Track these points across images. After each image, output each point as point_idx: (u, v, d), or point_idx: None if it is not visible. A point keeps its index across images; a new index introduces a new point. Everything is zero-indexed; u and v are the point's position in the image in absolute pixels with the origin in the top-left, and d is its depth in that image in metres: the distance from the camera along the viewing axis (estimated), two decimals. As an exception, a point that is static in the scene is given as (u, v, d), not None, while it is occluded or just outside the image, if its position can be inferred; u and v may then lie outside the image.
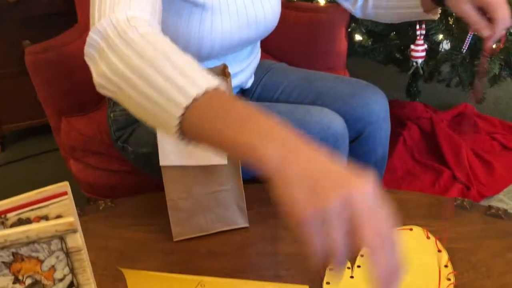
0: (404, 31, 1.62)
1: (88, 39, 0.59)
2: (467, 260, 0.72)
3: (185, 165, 0.77)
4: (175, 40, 0.58)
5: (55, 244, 0.50)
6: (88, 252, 0.58)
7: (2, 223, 0.53)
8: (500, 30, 0.77)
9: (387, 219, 0.44)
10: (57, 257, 0.51)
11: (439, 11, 0.92)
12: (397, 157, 1.76)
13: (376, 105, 1.03)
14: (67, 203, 0.55)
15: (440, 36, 1.49)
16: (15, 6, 1.85)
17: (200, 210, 0.81)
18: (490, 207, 0.83)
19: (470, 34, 1.11)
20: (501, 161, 1.74)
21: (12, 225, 0.53)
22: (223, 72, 0.80)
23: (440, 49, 1.52)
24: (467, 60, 1.51)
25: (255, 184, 0.92)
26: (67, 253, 0.51)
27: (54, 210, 0.55)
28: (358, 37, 1.68)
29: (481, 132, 1.89)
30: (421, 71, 1.55)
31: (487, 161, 1.72)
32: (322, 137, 0.91)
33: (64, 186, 0.55)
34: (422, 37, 1.40)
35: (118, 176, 1.22)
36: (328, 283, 0.69)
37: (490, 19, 0.78)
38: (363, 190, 0.42)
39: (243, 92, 1.14)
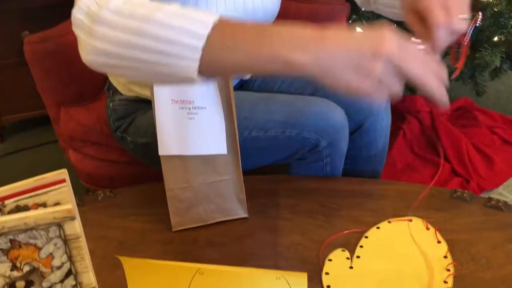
0: (405, 24, 1.60)
1: (72, 20, 0.58)
2: (467, 251, 0.72)
3: (185, 155, 0.77)
4: None
5: (53, 231, 0.50)
6: (87, 242, 0.57)
7: (0, 210, 0.52)
8: (441, 38, 0.63)
9: (417, 51, 0.54)
10: (55, 244, 0.51)
11: None
12: (396, 151, 1.76)
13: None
14: (66, 191, 0.55)
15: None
16: (14, -3, 1.84)
17: (199, 200, 0.80)
18: (490, 198, 0.83)
19: (472, 26, 1.10)
20: (501, 155, 1.73)
21: (10, 212, 0.53)
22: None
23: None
24: (468, 53, 1.50)
25: (255, 176, 0.93)
26: (65, 241, 0.51)
27: (53, 197, 0.54)
28: (359, 29, 1.66)
29: (481, 126, 1.88)
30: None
31: (487, 155, 1.72)
32: (322, 128, 0.90)
33: (62, 173, 0.55)
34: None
35: (117, 167, 1.22)
36: (327, 273, 0.69)
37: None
38: (391, 43, 0.50)
39: (243, 84, 1.13)
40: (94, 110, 1.25)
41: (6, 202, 0.53)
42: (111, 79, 1.07)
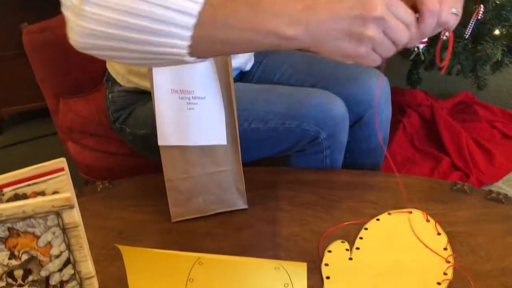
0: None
1: (61, 0, 0.57)
2: (466, 243, 0.72)
3: (184, 146, 0.77)
4: None
5: (52, 220, 0.50)
6: (86, 232, 0.57)
7: (-2, 198, 0.52)
8: (428, 25, 0.59)
9: (404, 9, 0.53)
10: (54, 233, 0.51)
11: None
12: (396, 144, 1.76)
13: (377, 89, 1.02)
14: (64, 179, 0.54)
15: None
16: (13, -12, 1.83)
17: (198, 191, 0.80)
18: (490, 191, 0.82)
19: (473, 19, 1.09)
20: (501, 149, 1.73)
21: (8, 200, 0.52)
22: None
23: (441, 36, 1.51)
24: (470, 46, 1.50)
25: (255, 167, 0.92)
26: (64, 229, 0.51)
27: (51, 186, 0.54)
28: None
29: (481, 120, 1.88)
30: (422, 57, 1.53)
31: (487, 149, 1.72)
32: (322, 120, 0.90)
33: (61, 162, 0.55)
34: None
35: (116, 158, 1.22)
36: (326, 264, 0.69)
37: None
38: (380, 4, 0.50)
39: (243, 75, 1.13)
40: (93, 101, 1.25)
41: (5, 190, 0.52)
42: (110, 70, 1.07)
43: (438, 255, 0.70)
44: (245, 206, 0.83)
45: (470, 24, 1.05)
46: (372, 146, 1.07)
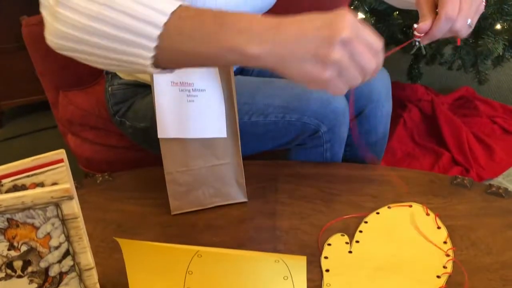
0: (407, 11, 1.59)
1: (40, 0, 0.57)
2: (466, 237, 0.72)
3: (184, 138, 0.77)
4: None
5: (51, 211, 0.50)
6: (86, 224, 0.57)
7: (-3, 189, 0.52)
8: (441, 27, 0.67)
9: (373, 36, 0.52)
10: (53, 224, 0.50)
11: None
12: (397, 139, 1.76)
13: (378, 83, 1.01)
14: (63, 171, 0.54)
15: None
16: (13, -19, 1.82)
17: (198, 184, 0.80)
18: (490, 185, 0.82)
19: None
20: (501, 144, 1.73)
21: (7, 191, 0.52)
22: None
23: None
24: (471, 41, 1.49)
25: (255, 160, 0.92)
26: (63, 220, 0.50)
27: (50, 177, 0.54)
28: (360, 15, 1.65)
29: (482, 116, 1.88)
30: (423, 51, 1.53)
31: (487, 144, 1.72)
32: (322, 113, 0.90)
33: (60, 153, 0.54)
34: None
35: (116, 151, 1.22)
36: (326, 257, 0.69)
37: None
38: (349, 26, 0.49)
39: (244, 68, 1.12)
40: (93, 94, 1.25)
41: (4, 181, 0.52)
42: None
43: (438, 248, 0.70)
44: (245, 199, 0.83)
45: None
46: (372, 141, 1.07)
